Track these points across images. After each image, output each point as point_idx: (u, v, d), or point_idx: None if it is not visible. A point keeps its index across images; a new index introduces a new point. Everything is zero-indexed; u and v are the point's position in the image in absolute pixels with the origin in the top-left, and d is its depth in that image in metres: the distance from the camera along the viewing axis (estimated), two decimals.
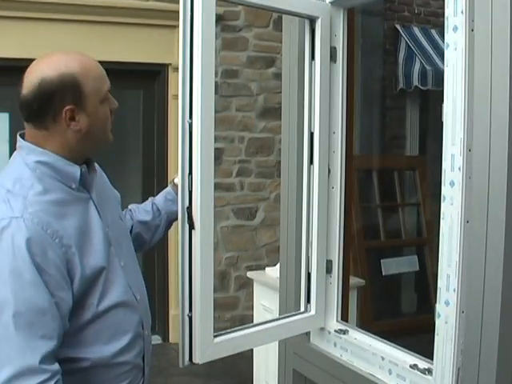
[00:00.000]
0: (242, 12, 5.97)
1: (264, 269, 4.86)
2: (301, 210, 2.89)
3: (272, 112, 5.85)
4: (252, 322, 4.79)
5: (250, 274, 4.94)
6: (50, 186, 1.86)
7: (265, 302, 4.47)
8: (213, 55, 2.31)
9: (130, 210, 2.49)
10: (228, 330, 2.51)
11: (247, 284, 5.63)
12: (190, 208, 2.26)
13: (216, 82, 5.87)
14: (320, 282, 2.85)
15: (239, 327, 2.58)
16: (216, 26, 5.73)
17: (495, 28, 2.04)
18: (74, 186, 1.91)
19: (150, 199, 2.54)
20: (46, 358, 1.71)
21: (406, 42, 6.57)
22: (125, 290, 1.99)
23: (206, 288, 2.30)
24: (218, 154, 5.83)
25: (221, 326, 5.97)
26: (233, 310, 6.12)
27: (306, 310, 2.86)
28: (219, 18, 5.85)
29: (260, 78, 6.03)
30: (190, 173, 2.27)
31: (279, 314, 3.20)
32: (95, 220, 1.95)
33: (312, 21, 2.74)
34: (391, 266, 5.97)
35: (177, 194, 2.33)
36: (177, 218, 2.33)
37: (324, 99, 2.78)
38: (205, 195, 2.28)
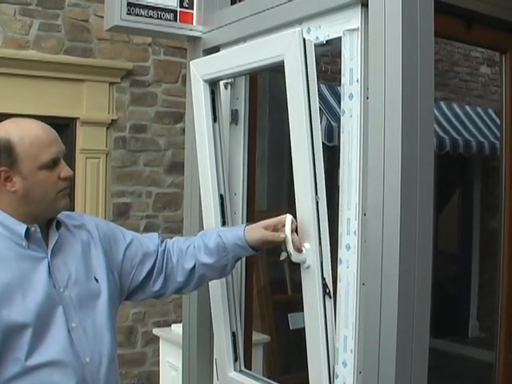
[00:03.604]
0: (151, 67, 6.01)
1: (171, 325, 4.84)
2: None
3: (180, 167, 5.83)
4: (159, 378, 4.75)
5: (155, 331, 4.91)
6: None
7: (170, 359, 4.44)
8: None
9: (194, 247, 2.43)
10: None
11: (154, 340, 5.56)
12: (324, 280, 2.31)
13: (124, 137, 5.87)
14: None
15: None
16: (125, 80, 5.82)
17: (388, 96, 2.12)
18: (23, 244, 2.04)
19: (216, 234, 2.43)
20: None
21: None
22: (63, 349, 2.02)
23: None
24: (126, 209, 5.79)
25: (128, 383, 5.90)
26: (140, 366, 6.03)
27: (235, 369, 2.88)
28: (128, 73, 5.88)
29: (168, 133, 6.04)
30: (320, 244, 2.29)
31: (182, 372, 3.19)
32: (40, 279, 2.03)
33: (212, 83, 2.78)
34: (298, 320, 5.99)
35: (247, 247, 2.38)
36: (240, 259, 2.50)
37: (225, 161, 2.83)
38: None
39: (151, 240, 2.43)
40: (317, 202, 2.27)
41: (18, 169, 2.02)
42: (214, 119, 2.78)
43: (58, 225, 2.15)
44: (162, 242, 2.46)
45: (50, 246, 2.09)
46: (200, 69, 2.75)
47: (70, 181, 2.16)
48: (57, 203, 2.12)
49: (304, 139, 2.26)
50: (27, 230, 2.04)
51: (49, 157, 2.05)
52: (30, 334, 1.95)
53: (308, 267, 2.31)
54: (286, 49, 2.30)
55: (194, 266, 2.42)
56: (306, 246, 2.30)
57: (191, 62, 2.82)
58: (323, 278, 2.29)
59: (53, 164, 2.06)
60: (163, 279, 2.42)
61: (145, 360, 6.03)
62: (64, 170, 2.11)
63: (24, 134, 2.03)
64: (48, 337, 2.00)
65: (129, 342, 5.92)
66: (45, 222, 2.12)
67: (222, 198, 2.81)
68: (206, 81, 2.74)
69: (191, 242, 2.45)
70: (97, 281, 2.18)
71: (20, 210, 2.05)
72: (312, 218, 2.27)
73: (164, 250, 2.42)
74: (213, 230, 2.56)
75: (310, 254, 2.29)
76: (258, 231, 2.36)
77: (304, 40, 2.24)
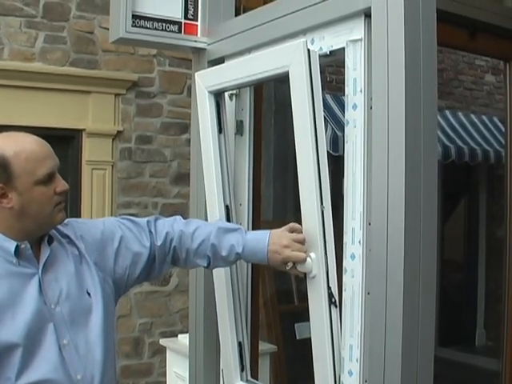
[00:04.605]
0: (156, 78, 6.03)
1: (177, 335, 4.85)
2: (210, 277, 2.92)
3: (185, 178, 5.83)
4: None
5: (162, 342, 4.91)
6: None
7: (177, 370, 4.45)
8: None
9: (209, 256, 2.37)
10: None
11: (161, 350, 5.57)
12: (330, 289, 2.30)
13: (129, 148, 5.89)
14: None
15: None
16: (130, 92, 5.85)
17: (392, 106, 2.13)
18: (14, 261, 2.00)
19: (235, 253, 2.33)
20: None
21: None
22: (54, 368, 1.98)
23: None
24: None
25: None
26: (147, 377, 6.03)
27: (241, 379, 2.88)
28: (133, 84, 5.90)
29: (174, 144, 6.06)
30: (326, 253, 2.28)
31: (189, 382, 3.19)
32: (30, 296, 1.99)
33: (217, 95, 2.79)
34: (305, 330, 5.98)
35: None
36: None
37: (231, 172, 2.84)
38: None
39: (142, 236, 2.34)
40: (322, 212, 2.27)
41: (13, 185, 1.98)
42: (220, 130, 2.78)
43: (50, 239, 2.11)
44: (158, 232, 2.37)
45: (42, 261, 2.06)
46: (205, 80, 2.76)
47: (66, 194, 2.12)
48: (53, 218, 2.08)
49: (309, 149, 2.26)
50: (17, 247, 2.01)
51: (45, 171, 2.01)
52: (20, 353, 1.92)
53: (314, 277, 2.30)
54: (291, 60, 2.30)
55: (209, 264, 2.40)
56: (312, 255, 2.28)
57: (196, 74, 2.83)
58: (329, 288, 2.29)
59: (49, 179, 2.03)
60: (169, 265, 2.41)
61: (152, 371, 6.03)
62: (60, 184, 2.07)
63: (19, 148, 1.99)
64: (39, 355, 1.96)
65: (136, 353, 5.93)
66: (37, 238, 2.09)
67: (227, 208, 2.81)
68: (211, 92, 2.75)
69: (202, 241, 2.36)
70: (89, 295, 2.14)
71: (16, 226, 2.02)
72: (317, 228, 2.26)
73: (164, 244, 2.35)
74: (226, 240, 2.36)
75: (315, 264, 2.28)
76: (281, 257, 2.29)
77: (309, 51, 2.25)
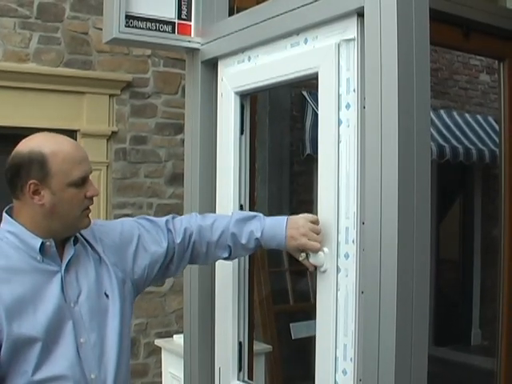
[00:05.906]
0: (151, 79, 6.03)
1: (173, 336, 4.84)
2: (208, 277, 2.92)
3: (180, 178, 5.80)
4: None
5: (157, 342, 4.92)
6: (10, 254, 2.03)
7: (173, 370, 4.45)
8: None
9: (230, 246, 2.45)
10: None
11: (157, 351, 5.57)
12: None
13: (124, 149, 5.89)
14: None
15: None
16: (125, 92, 5.84)
17: (385, 105, 2.13)
18: (38, 258, 2.05)
19: (254, 239, 2.41)
20: None
21: (313, 109, 6.72)
22: (70, 365, 2.02)
23: None
24: None
25: None
26: (143, 378, 6.03)
27: (238, 379, 2.88)
28: (128, 85, 5.90)
29: (168, 145, 6.07)
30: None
31: (184, 382, 3.19)
32: (52, 293, 2.04)
33: (242, 96, 2.84)
34: (301, 330, 6.00)
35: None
36: None
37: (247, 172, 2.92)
38: None
39: (160, 236, 2.39)
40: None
41: (47, 183, 2.01)
42: (241, 131, 2.86)
43: (76, 240, 2.16)
44: (176, 230, 2.42)
45: (65, 260, 2.10)
46: (232, 81, 2.82)
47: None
48: (80, 222, 2.13)
49: (332, 149, 2.34)
50: (42, 245, 2.05)
51: (79, 174, 2.05)
52: (39, 348, 1.96)
53: (324, 271, 2.36)
54: (321, 62, 2.40)
55: (230, 254, 2.47)
56: (325, 249, 2.34)
57: (223, 75, 2.89)
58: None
59: (82, 182, 2.07)
60: (186, 263, 2.48)
61: (147, 371, 6.03)
62: (91, 188, 2.11)
63: (57, 149, 2.02)
64: (56, 351, 2.00)
65: (131, 354, 5.91)
66: (61, 238, 2.12)
67: (241, 207, 2.87)
68: (237, 93, 2.82)
69: (222, 232, 2.43)
70: (107, 296, 2.18)
71: (43, 224, 2.06)
72: (334, 224, 2.34)
73: (183, 240, 2.41)
74: (246, 228, 2.43)
75: (328, 258, 2.34)
76: (296, 243, 2.37)
77: (339, 54, 2.33)
